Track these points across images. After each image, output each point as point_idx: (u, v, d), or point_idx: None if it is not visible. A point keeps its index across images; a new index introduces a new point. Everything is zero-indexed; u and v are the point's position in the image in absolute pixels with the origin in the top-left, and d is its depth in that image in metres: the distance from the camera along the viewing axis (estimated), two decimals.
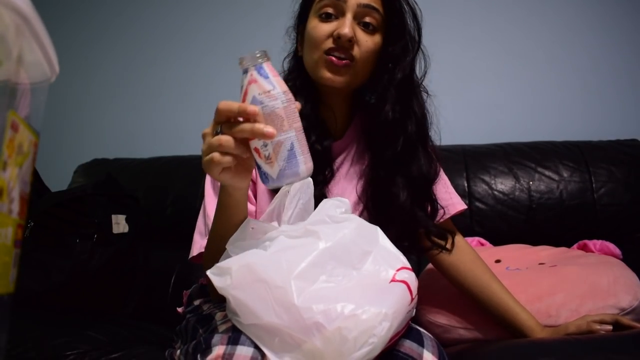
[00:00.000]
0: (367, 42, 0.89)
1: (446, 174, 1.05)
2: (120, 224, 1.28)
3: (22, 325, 1.01)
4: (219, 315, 0.76)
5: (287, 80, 0.95)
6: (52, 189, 1.35)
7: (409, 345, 0.71)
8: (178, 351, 0.81)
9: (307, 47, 0.92)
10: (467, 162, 1.56)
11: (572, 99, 1.76)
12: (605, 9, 1.77)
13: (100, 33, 2.03)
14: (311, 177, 0.79)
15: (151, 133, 1.94)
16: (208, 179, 0.94)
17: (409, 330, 0.74)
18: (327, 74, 0.88)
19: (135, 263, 1.36)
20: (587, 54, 1.77)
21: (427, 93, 0.96)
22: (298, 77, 0.96)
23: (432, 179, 0.96)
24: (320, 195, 0.86)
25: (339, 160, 0.98)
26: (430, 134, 0.97)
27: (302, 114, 0.93)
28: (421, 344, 0.72)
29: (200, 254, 0.88)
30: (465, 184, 1.52)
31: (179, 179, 1.63)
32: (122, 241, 1.28)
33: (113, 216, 1.27)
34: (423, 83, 0.96)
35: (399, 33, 0.91)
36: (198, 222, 0.92)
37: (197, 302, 0.93)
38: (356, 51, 0.88)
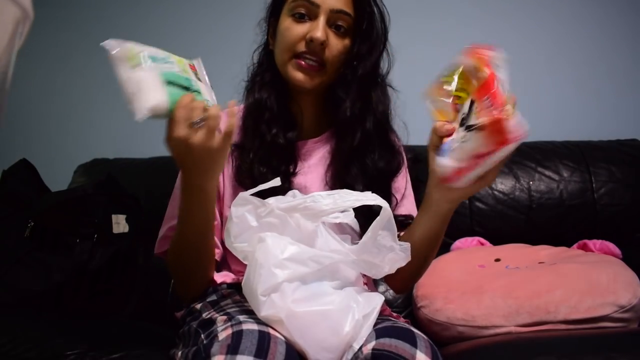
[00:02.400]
0: (337, 45, 0.92)
1: None
2: (120, 224, 1.28)
3: (22, 325, 1.01)
4: (219, 320, 0.75)
5: (256, 73, 1.00)
6: (52, 189, 1.35)
7: (401, 347, 0.70)
8: (180, 352, 0.81)
9: (279, 46, 0.95)
10: None
11: (573, 99, 1.76)
12: (607, 9, 1.77)
13: (100, 32, 2.02)
14: (276, 167, 0.89)
15: (151, 133, 1.93)
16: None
17: (402, 331, 0.74)
18: (297, 76, 0.92)
19: (136, 263, 1.36)
20: (587, 54, 1.77)
21: (393, 88, 1.00)
22: (267, 70, 0.99)
23: (389, 173, 0.98)
24: (286, 188, 0.88)
25: (315, 157, 1.00)
26: (394, 130, 1.01)
27: (266, 106, 0.95)
28: (414, 344, 0.71)
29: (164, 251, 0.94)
30: None
31: None
32: (122, 241, 1.28)
33: (113, 216, 1.27)
34: (387, 80, 0.99)
35: (367, 34, 0.95)
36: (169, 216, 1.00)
37: (194, 306, 0.93)
38: (327, 54, 0.92)
